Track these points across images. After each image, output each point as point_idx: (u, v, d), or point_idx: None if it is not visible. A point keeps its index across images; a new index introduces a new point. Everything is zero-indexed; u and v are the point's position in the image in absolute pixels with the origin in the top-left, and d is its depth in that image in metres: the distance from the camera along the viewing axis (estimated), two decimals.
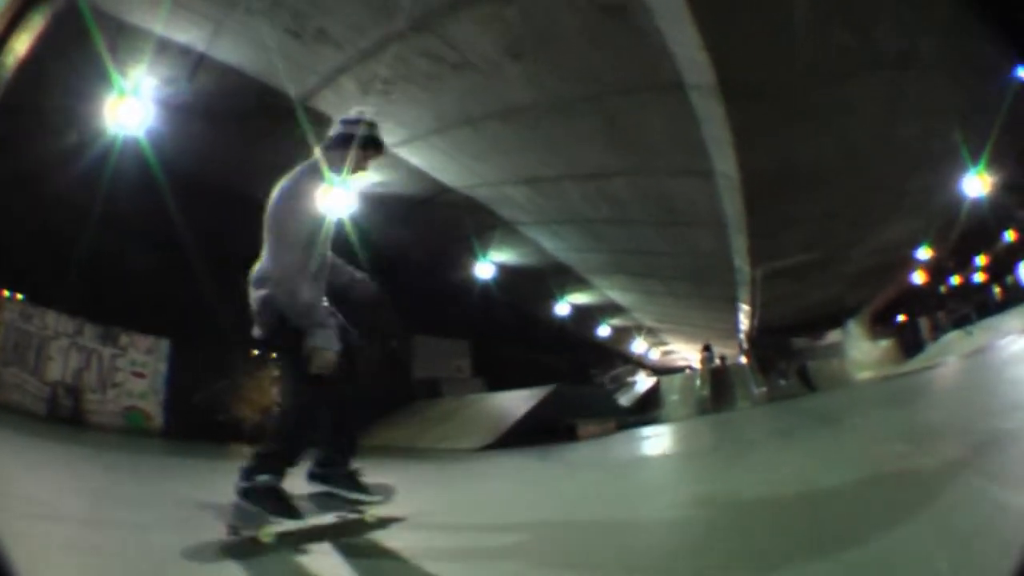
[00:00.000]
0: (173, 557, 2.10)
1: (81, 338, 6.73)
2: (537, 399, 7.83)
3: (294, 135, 7.57)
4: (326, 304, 2.76)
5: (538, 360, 11.76)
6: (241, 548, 2.20)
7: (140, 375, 6.99)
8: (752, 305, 10.66)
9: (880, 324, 9.90)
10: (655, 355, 14.31)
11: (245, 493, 2.35)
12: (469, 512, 3.39)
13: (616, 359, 13.75)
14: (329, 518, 2.62)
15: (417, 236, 9.49)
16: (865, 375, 9.24)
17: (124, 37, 5.86)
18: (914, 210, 8.10)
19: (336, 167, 2.80)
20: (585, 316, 12.73)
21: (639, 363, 13.98)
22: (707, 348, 12.07)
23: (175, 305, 6.95)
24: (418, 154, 7.77)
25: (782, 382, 10.14)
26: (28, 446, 4.99)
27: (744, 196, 7.44)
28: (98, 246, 6.73)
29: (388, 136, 7.93)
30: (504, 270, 10.49)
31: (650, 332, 14.23)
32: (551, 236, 10.14)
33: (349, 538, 2.50)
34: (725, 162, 6.80)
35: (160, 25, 5.86)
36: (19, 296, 7.14)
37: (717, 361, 12.13)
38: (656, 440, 7.34)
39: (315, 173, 2.72)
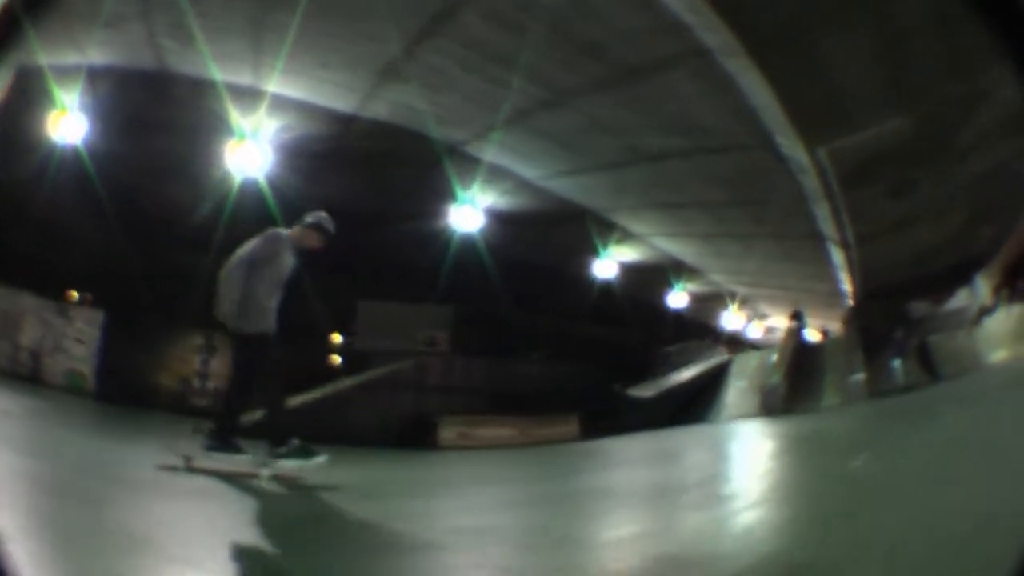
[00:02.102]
0: None
1: (44, 313, 7.96)
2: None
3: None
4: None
5: (569, 333, 9.34)
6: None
7: (80, 341, 7.90)
8: (844, 245, 6.85)
9: (1018, 278, 5.64)
10: (756, 331, 10.23)
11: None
12: None
13: (707, 334, 10.22)
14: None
15: (349, 179, 8.32)
16: (1000, 356, 5.47)
17: None
18: None
19: (303, 242, 4.69)
20: (643, 278, 9.79)
21: (734, 340, 10.16)
22: (796, 316, 8.18)
23: (118, 281, 7.63)
24: (291, 87, 6.96)
25: (895, 364, 6.24)
26: None
27: None
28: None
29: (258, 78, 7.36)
30: (496, 216, 8.57)
31: (744, 301, 10.30)
32: (518, 157, 7.96)
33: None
34: None
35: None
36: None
37: (817, 335, 8.06)
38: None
39: (286, 239, 4.62)
